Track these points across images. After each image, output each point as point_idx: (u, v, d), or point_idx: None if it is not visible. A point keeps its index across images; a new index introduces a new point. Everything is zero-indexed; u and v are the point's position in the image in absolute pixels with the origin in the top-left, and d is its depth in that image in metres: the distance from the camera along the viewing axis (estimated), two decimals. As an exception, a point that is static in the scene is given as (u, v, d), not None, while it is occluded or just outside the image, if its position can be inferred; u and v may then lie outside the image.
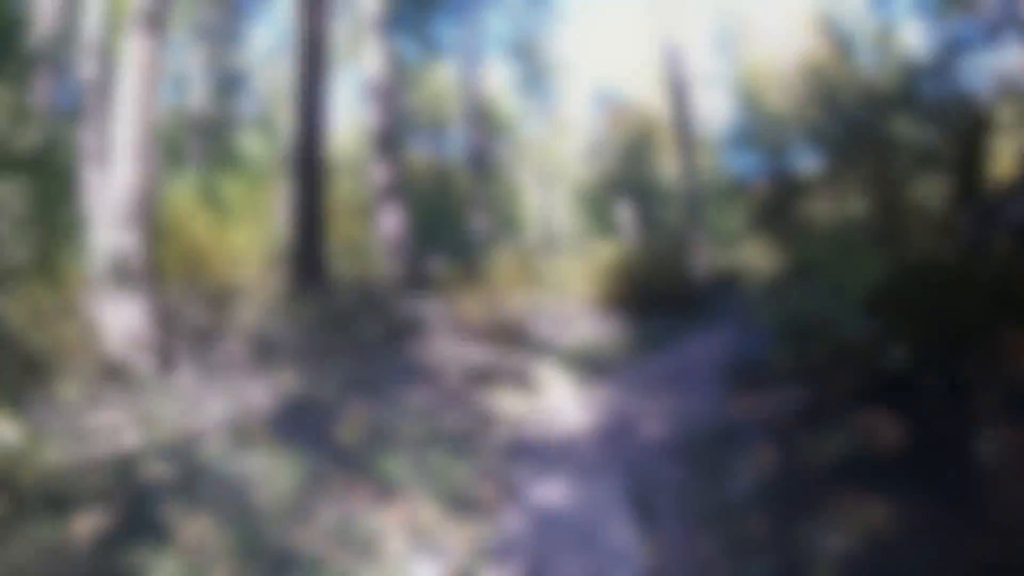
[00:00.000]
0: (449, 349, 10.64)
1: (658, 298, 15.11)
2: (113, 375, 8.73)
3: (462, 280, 12.61)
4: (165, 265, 12.95)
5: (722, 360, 10.31)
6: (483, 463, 5.39)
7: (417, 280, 15.88)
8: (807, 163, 26.37)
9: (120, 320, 8.86)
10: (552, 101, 35.68)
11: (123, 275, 8.86)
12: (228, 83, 32.99)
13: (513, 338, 10.64)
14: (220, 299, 11.20)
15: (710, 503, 4.49)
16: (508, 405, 7.59)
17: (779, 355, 8.51)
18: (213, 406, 5.72)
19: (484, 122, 28.98)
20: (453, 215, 30.50)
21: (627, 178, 20.18)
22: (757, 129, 24.85)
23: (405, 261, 18.41)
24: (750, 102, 25.11)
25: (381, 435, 4.83)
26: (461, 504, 4.32)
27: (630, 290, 14.63)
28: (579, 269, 15.07)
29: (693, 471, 5.23)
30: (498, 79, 37.61)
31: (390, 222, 19.13)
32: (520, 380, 8.39)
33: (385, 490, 4.35)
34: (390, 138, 21.18)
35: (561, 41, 63.76)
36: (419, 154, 38.97)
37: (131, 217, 8.64)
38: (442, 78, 34.78)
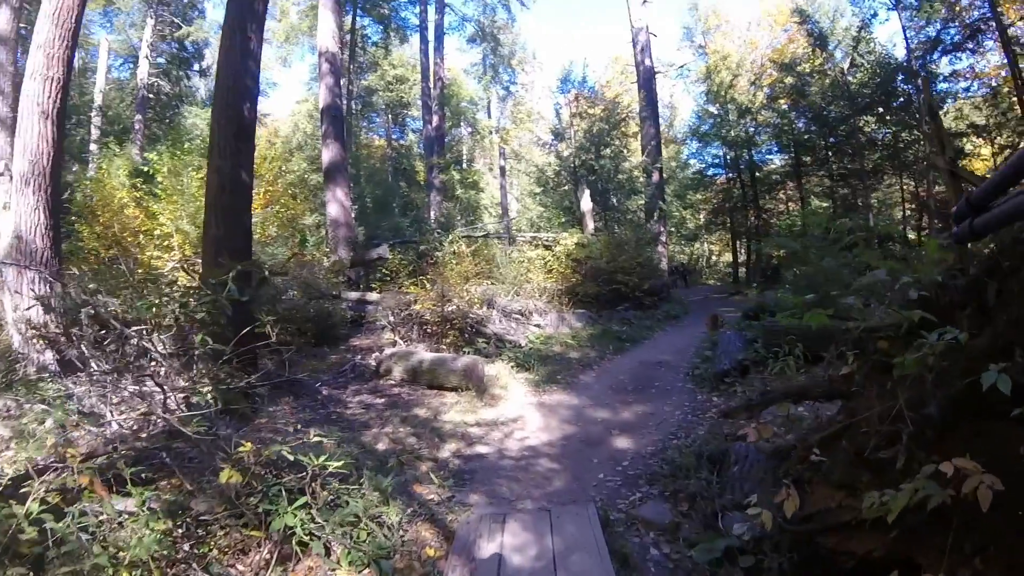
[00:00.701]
0: (393, 347, 9.65)
1: (621, 290, 14.37)
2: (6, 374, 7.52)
3: (413, 269, 11.56)
4: (93, 247, 11.64)
5: (691, 361, 9.61)
6: (420, 503, 4.42)
7: (363, 266, 14.77)
8: (772, 158, 26.40)
9: (19, 310, 7.66)
10: (516, 87, 34.89)
11: (23, 256, 7.64)
12: (179, 58, 31.12)
13: (466, 334, 9.70)
14: (141, 285, 9.97)
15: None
16: (458, 415, 6.64)
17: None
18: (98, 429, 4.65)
19: (443, 106, 27.84)
20: (408, 201, 29.42)
21: (590, 167, 19.31)
22: (723, 122, 24.39)
23: (350, 246, 17.29)
24: (717, 95, 24.58)
25: (292, 468, 3.81)
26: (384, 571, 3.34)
27: (593, 282, 13.81)
28: (539, 260, 14.15)
29: (677, 505, 4.39)
30: (461, 63, 36.71)
31: (336, 204, 17.93)
32: (473, 384, 7.44)
33: (285, 551, 3.36)
34: (339, 115, 19.92)
35: (527, 27, 63.21)
36: (377, 137, 37.92)
37: (33, 190, 7.40)
38: (404, 61, 33.60)
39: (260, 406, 6.91)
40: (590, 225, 17.17)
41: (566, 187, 20.48)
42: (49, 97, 7.46)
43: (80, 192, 13.41)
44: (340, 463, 3.85)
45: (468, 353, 9.15)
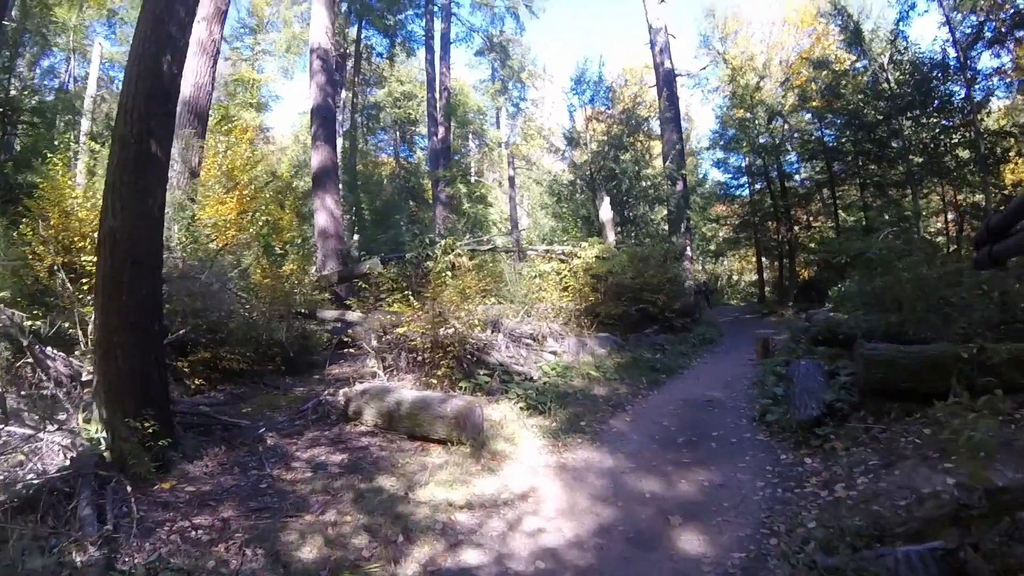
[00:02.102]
0: (373, 379, 7.62)
1: (648, 311, 12.29)
2: None
3: (406, 285, 9.56)
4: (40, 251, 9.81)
5: (750, 399, 7.51)
6: None
7: (351, 282, 12.80)
8: (803, 166, 24.33)
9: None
10: (526, 103, 33.29)
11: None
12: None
13: (464, 364, 7.65)
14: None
15: None
16: (442, 489, 4.57)
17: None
18: None
19: (449, 117, 26.15)
20: (414, 218, 27.61)
21: (610, 171, 17.34)
22: (751, 127, 22.45)
23: (339, 259, 15.39)
24: (743, 99, 22.65)
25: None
26: None
27: (616, 301, 11.72)
28: (553, 275, 12.09)
29: None
30: (470, 79, 35.19)
31: (325, 213, 16.07)
32: (468, 436, 5.40)
33: None
34: (331, 116, 18.15)
35: (538, 42, 61.87)
36: (385, 156, 36.44)
37: None
38: (412, 78, 32.29)
39: (175, 459, 4.95)
40: (611, 237, 15.16)
41: (581, 196, 18.50)
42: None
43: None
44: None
45: (465, 389, 7.10)
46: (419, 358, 7.91)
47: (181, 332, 7.29)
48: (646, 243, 15.20)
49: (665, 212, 19.38)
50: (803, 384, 6.21)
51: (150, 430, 4.58)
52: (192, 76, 11.63)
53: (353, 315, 10.05)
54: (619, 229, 17.50)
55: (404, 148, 36.20)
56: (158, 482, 4.52)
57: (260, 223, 12.56)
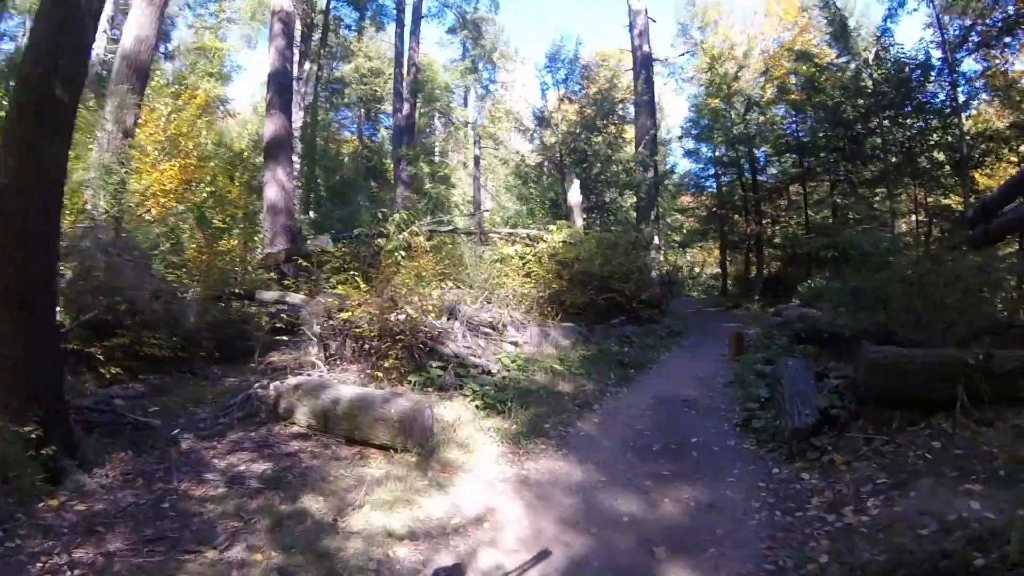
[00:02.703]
0: (312, 370, 6.74)
1: (615, 300, 11.63)
2: None
3: (357, 265, 8.65)
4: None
5: (730, 400, 6.89)
6: None
7: (296, 261, 11.79)
8: (776, 159, 23.98)
9: None
10: (496, 85, 32.33)
11: None
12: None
13: (416, 354, 6.81)
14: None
15: None
16: (380, 512, 3.76)
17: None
18: None
19: (416, 94, 25.00)
20: (376, 198, 26.39)
21: (581, 153, 16.59)
22: (726, 117, 21.96)
23: (290, 236, 14.31)
24: (720, 87, 22.12)
25: None
26: None
27: (582, 289, 11.00)
28: (517, 259, 11.28)
29: None
30: (441, 59, 33.88)
31: (276, 187, 14.93)
32: (414, 442, 4.60)
33: None
34: (288, 82, 16.91)
35: (512, 23, 60.47)
36: (349, 134, 35.04)
37: None
38: (381, 54, 30.99)
39: (70, 468, 4.02)
40: (579, 222, 14.41)
41: (549, 179, 17.71)
42: None
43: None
44: None
45: (415, 384, 6.28)
46: (366, 347, 7.05)
47: (94, 313, 6.27)
48: (615, 230, 14.53)
49: (635, 199, 18.73)
50: (793, 387, 5.55)
51: (35, 434, 3.66)
52: (135, 28, 10.50)
53: (296, 297, 9.10)
54: (587, 215, 16.79)
55: (368, 127, 34.86)
56: (45, 498, 3.60)
57: (204, 195, 11.49)
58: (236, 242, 10.52)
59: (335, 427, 5.07)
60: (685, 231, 29.23)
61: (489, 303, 9.16)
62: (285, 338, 8.29)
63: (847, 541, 3.44)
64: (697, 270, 38.19)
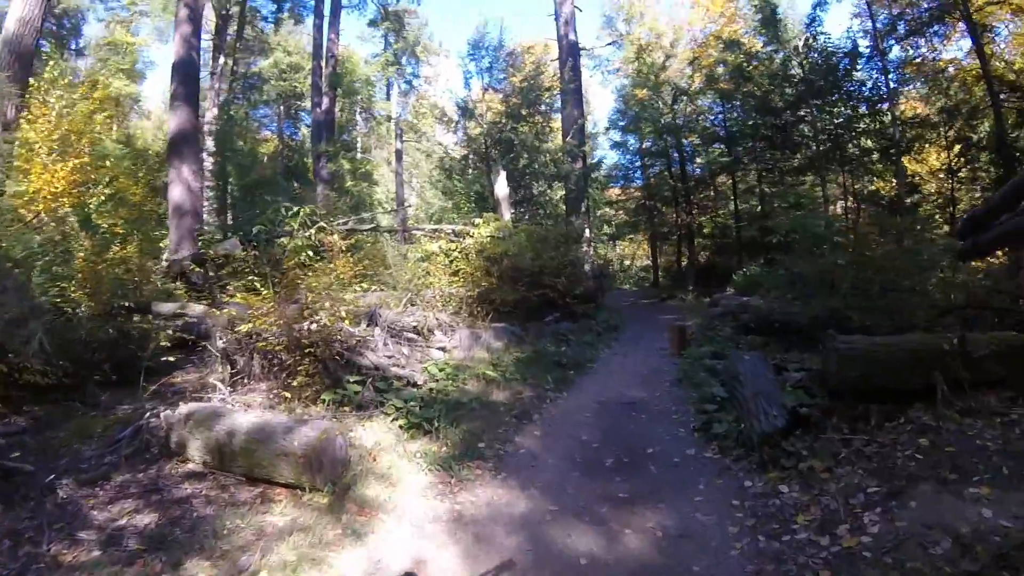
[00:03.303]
0: (213, 393, 5.70)
1: (548, 296, 10.96)
2: None
3: (270, 270, 7.58)
4: None
5: (682, 401, 6.30)
6: None
7: (200, 267, 10.56)
8: (704, 149, 24.00)
9: None
10: (419, 80, 31.37)
11: None
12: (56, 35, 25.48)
13: (330, 368, 5.89)
14: None
15: None
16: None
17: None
18: None
19: (335, 87, 23.65)
20: (296, 197, 24.84)
21: (508, 142, 15.87)
22: (653, 107, 21.71)
23: (197, 241, 12.92)
24: (647, 77, 21.88)
25: None
26: None
27: (513, 286, 10.26)
28: (443, 257, 10.43)
29: None
30: (362, 52, 32.53)
31: (181, 187, 13.48)
32: (323, 478, 3.73)
33: None
34: (194, 73, 15.40)
35: (436, 10, 59.20)
36: (268, 132, 33.16)
37: None
38: (300, 48, 29.39)
39: None
40: (507, 215, 13.69)
41: (475, 171, 16.91)
42: None
43: None
44: None
45: (329, 403, 5.38)
46: (275, 362, 6.08)
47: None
48: (545, 223, 13.88)
49: (564, 191, 18.19)
50: (755, 385, 4.97)
51: None
52: (19, 9, 9.21)
53: (198, 308, 7.97)
54: (515, 209, 16.11)
55: (288, 125, 33.09)
56: None
57: (103, 197, 10.07)
58: (131, 248, 9.17)
59: (232, 464, 4.15)
60: (615, 224, 29.07)
61: (414, 305, 8.31)
62: (191, 356, 7.17)
63: (851, 569, 2.86)
64: (628, 263, 38.27)
